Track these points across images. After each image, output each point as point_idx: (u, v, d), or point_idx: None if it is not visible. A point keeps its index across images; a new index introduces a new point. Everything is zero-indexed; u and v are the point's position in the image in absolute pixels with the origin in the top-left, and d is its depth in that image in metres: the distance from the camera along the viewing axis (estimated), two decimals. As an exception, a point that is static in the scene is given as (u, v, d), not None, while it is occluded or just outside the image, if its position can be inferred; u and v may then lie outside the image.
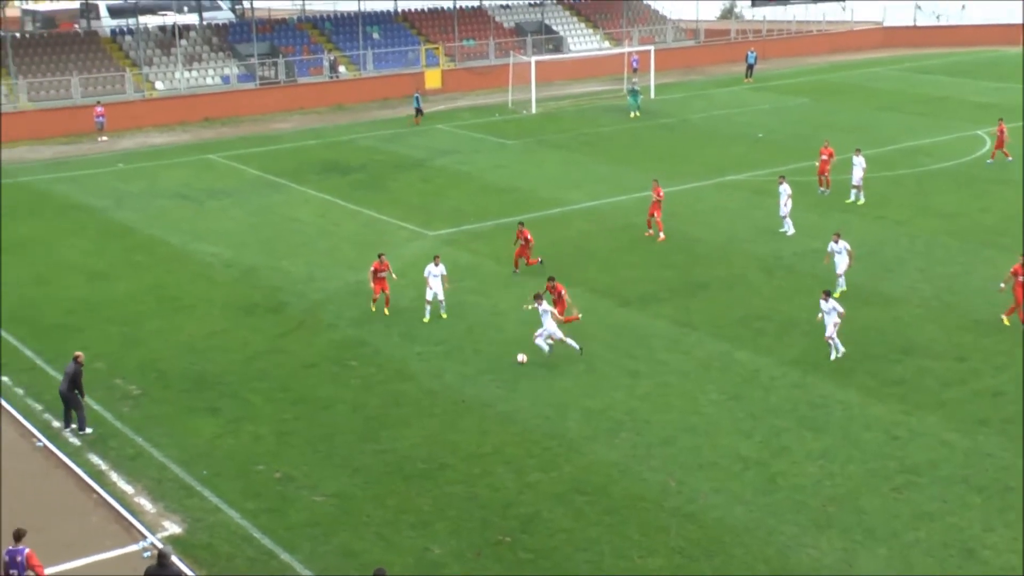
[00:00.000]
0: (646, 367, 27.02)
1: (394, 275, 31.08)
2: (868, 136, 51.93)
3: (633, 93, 60.22)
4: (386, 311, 30.58)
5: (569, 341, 27.15)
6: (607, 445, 23.11)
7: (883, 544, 19.36)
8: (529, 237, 33.42)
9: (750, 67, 72.77)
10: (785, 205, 37.11)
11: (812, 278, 32.05)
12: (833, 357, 26.94)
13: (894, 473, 21.75)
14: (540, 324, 27.17)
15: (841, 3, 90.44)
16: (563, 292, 28.54)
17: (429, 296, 30.08)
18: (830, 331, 26.96)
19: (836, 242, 31.17)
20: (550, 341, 27.10)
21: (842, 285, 31.25)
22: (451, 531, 20.04)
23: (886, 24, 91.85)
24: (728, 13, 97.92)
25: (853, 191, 41.03)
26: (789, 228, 37.13)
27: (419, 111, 59.62)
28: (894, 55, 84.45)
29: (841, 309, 26.86)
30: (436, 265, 30.05)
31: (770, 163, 47.35)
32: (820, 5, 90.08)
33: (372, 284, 30.74)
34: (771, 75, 74.35)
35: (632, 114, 59.55)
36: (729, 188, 43.78)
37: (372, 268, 30.69)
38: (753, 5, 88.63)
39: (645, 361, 27.36)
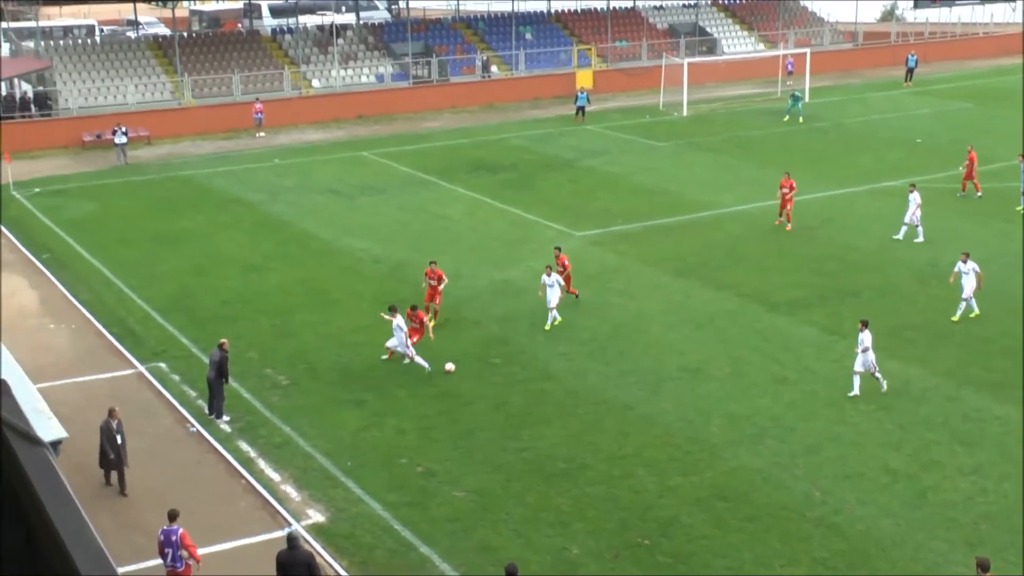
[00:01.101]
0: (793, 374, 26.54)
1: (442, 285, 29.71)
2: (1034, 142, 49.97)
3: (794, 98, 59.13)
4: (431, 330, 28.31)
5: (419, 360, 26.63)
6: (750, 451, 22.77)
7: (1038, 566, 18.63)
8: (567, 263, 31.01)
9: (910, 71, 70.77)
10: (913, 214, 36.07)
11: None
12: (853, 393, 25.02)
13: (1053, 493, 20.93)
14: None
15: (1011, 3, 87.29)
16: (424, 319, 27.72)
17: (550, 303, 29.49)
18: (861, 366, 25.05)
19: (964, 262, 29.42)
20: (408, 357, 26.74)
21: (968, 308, 29.49)
22: (589, 531, 20.00)
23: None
24: (888, 15, 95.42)
25: None
26: (921, 236, 36.09)
27: (581, 110, 59.68)
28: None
29: (868, 344, 24.87)
30: (548, 275, 29.51)
31: (928, 169, 46.02)
32: (988, 6, 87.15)
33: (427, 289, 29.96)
34: (933, 79, 72.19)
35: (785, 117, 58.49)
36: (884, 194, 42.66)
37: (425, 272, 30.05)
38: (916, 7, 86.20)
39: (792, 368, 26.88)
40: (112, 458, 21.58)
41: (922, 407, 24.66)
